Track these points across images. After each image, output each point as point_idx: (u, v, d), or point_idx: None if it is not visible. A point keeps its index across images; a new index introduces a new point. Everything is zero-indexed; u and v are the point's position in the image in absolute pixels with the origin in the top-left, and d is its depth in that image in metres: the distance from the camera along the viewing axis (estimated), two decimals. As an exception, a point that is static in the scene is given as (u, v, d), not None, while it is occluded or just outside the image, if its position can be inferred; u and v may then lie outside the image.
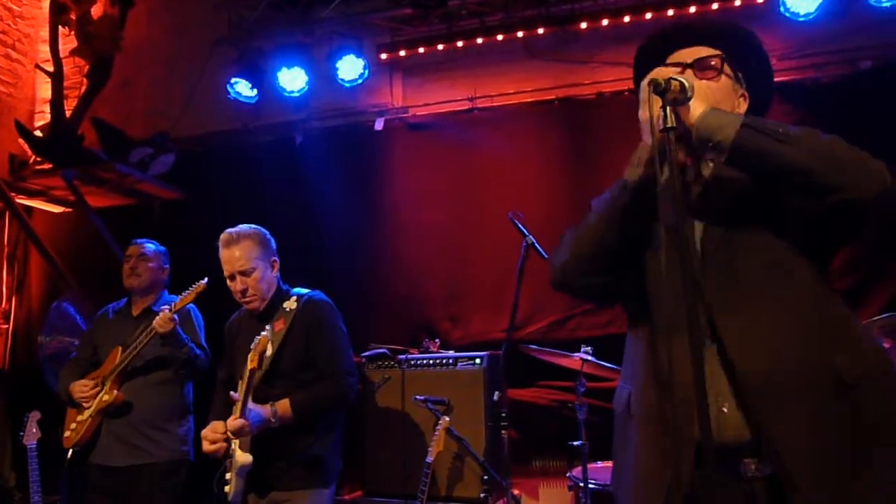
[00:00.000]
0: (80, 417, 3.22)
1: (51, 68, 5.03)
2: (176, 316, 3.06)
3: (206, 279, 3.05)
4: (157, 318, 3.04)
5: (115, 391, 3.18)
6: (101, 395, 3.19)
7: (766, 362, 1.31)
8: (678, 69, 1.49)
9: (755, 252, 1.40)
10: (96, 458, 3.20)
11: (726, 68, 1.52)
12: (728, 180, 1.44)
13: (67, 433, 3.24)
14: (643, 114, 1.39)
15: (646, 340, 1.51)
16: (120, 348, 3.23)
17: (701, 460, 1.21)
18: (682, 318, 1.30)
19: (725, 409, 1.33)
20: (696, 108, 1.35)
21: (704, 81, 1.48)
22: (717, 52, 1.52)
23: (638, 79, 1.65)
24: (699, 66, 1.51)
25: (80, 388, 3.20)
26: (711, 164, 1.50)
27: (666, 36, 1.62)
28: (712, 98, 1.42)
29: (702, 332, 1.25)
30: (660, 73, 1.37)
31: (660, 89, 1.32)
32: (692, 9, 4.26)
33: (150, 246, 3.47)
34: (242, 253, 2.66)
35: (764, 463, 1.31)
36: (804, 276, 1.39)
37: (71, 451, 3.24)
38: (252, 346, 2.46)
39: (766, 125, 1.31)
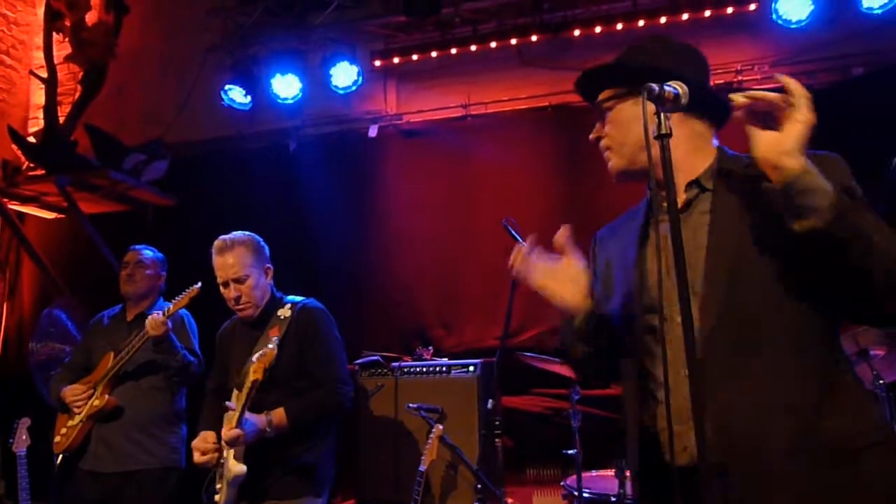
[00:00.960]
0: (70, 422, 3.19)
1: (45, 74, 5.02)
2: (169, 322, 3.04)
3: (199, 283, 3.03)
4: (149, 320, 3.02)
5: (107, 396, 3.15)
6: (92, 399, 3.16)
7: (749, 424, 1.25)
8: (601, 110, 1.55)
9: (755, 293, 1.31)
10: (86, 464, 3.18)
11: (623, 101, 1.53)
12: (732, 214, 1.37)
13: (58, 438, 3.21)
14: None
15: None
16: (112, 353, 3.21)
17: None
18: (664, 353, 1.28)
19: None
20: (796, 157, 1.21)
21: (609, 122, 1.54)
22: (621, 88, 1.53)
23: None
24: (604, 110, 1.55)
25: (72, 392, 3.18)
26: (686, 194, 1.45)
27: (581, 83, 1.63)
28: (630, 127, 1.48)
29: (698, 374, 1.17)
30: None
31: (654, 95, 1.30)
32: (685, 16, 4.27)
33: (148, 253, 3.45)
34: (236, 260, 2.64)
35: (730, 484, 1.25)
36: (812, 334, 1.31)
37: (60, 456, 3.21)
38: (256, 358, 2.44)
39: (850, 208, 1.21)
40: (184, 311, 3.22)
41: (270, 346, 2.47)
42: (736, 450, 1.25)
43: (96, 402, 3.15)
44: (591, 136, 1.58)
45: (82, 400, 3.16)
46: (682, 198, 1.45)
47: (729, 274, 1.33)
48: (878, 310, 1.25)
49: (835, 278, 1.24)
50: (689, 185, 1.46)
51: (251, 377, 2.41)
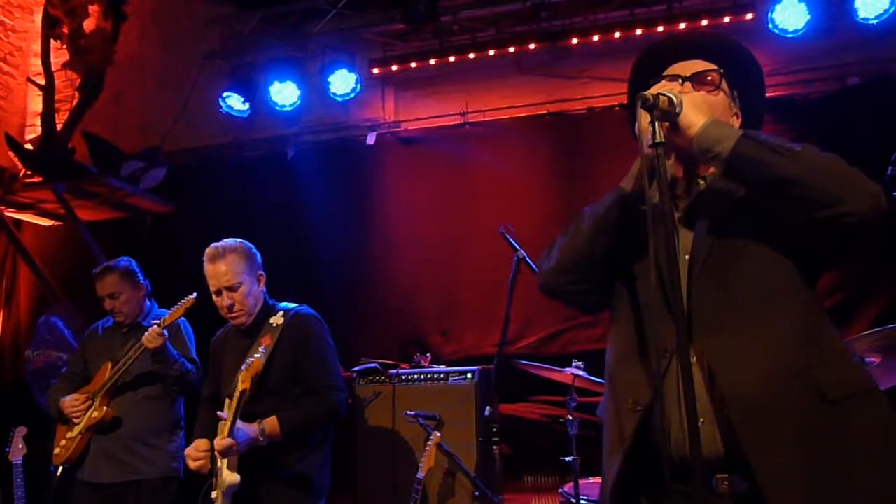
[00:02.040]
0: (69, 434, 3.18)
1: (42, 81, 5.02)
2: (165, 332, 3.03)
3: (195, 294, 3.02)
4: (147, 333, 3.01)
5: (105, 407, 3.14)
6: (90, 411, 3.15)
7: (749, 380, 1.30)
8: (677, 81, 1.49)
9: (744, 268, 1.39)
10: (84, 475, 3.16)
11: (724, 84, 1.51)
12: (720, 195, 1.44)
13: (57, 450, 3.19)
14: (640, 127, 1.39)
15: (623, 350, 1.51)
16: (109, 364, 3.19)
17: (673, 474, 1.22)
18: (665, 335, 1.30)
19: (700, 423, 1.30)
20: (697, 120, 1.35)
21: (702, 93, 1.48)
22: (716, 66, 1.51)
23: (633, 90, 1.63)
24: (697, 80, 1.50)
25: (71, 403, 3.16)
26: (702, 182, 1.49)
27: (663, 48, 1.62)
28: (709, 111, 1.42)
29: (688, 350, 1.24)
30: (661, 87, 1.38)
31: (648, 104, 1.33)
32: (682, 25, 4.30)
33: (112, 277, 3.27)
34: (228, 268, 2.63)
35: (736, 479, 1.30)
36: (792, 294, 1.38)
37: (60, 468, 3.20)
38: (244, 367, 2.43)
39: (765, 138, 1.32)
40: (180, 318, 3.21)
41: (257, 355, 2.46)
42: (738, 405, 1.30)
43: (95, 414, 3.13)
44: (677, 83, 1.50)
45: (80, 411, 3.15)
46: (683, 203, 1.51)
47: (710, 249, 1.41)
48: (826, 216, 1.27)
49: (774, 198, 1.32)
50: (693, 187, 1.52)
51: (239, 387, 2.40)
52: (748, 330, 1.34)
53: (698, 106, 1.39)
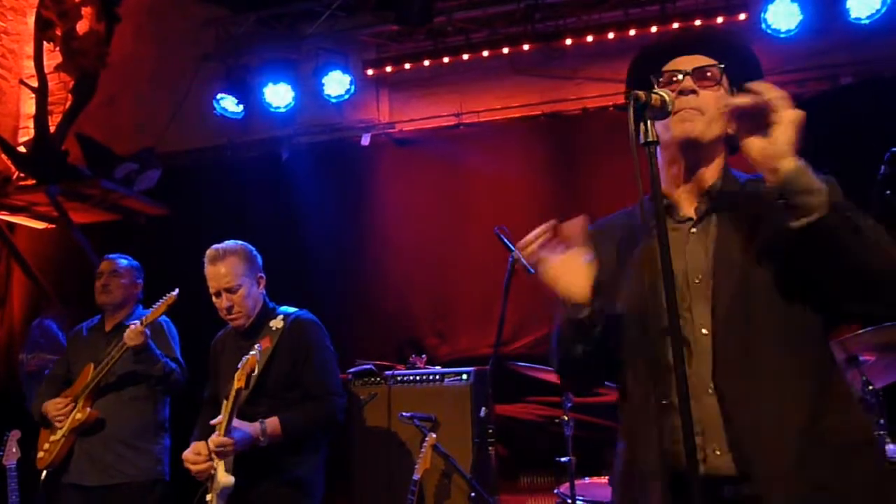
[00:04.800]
0: (53, 437, 3.15)
1: (35, 84, 5.00)
2: (147, 330, 3.01)
3: (176, 290, 3.02)
4: (128, 331, 3.00)
5: (88, 409, 3.11)
6: (73, 413, 3.12)
7: (763, 422, 1.30)
8: (677, 77, 1.47)
9: (764, 306, 1.35)
10: (69, 478, 3.13)
11: (724, 79, 1.49)
12: (734, 215, 1.41)
13: (41, 454, 3.16)
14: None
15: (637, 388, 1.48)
16: (92, 365, 3.17)
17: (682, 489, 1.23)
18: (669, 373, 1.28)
19: (718, 452, 1.33)
20: (788, 159, 1.24)
21: (706, 91, 1.45)
22: (716, 62, 1.49)
23: (633, 86, 1.62)
24: (698, 75, 1.47)
25: (54, 406, 3.13)
26: (708, 197, 1.47)
27: (663, 43, 1.60)
28: (713, 109, 1.41)
29: (686, 387, 1.22)
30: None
31: (640, 103, 1.32)
32: (675, 25, 4.31)
33: (123, 262, 3.42)
34: (228, 270, 2.63)
35: (741, 485, 1.31)
36: (810, 340, 1.37)
37: (45, 472, 3.16)
38: (240, 365, 2.42)
39: (847, 208, 1.25)
40: (163, 318, 3.18)
41: (252, 352, 2.45)
42: (750, 452, 1.30)
43: (78, 416, 3.10)
44: (682, 82, 1.47)
45: (64, 414, 3.12)
46: (693, 206, 1.49)
47: (738, 283, 1.36)
48: (873, 304, 1.29)
49: (832, 275, 1.28)
50: (702, 195, 1.49)
51: (235, 385, 2.40)
52: (767, 374, 1.33)
53: (711, 104, 1.40)
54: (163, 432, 3.31)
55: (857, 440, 1.34)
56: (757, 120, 1.28)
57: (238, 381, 2.39)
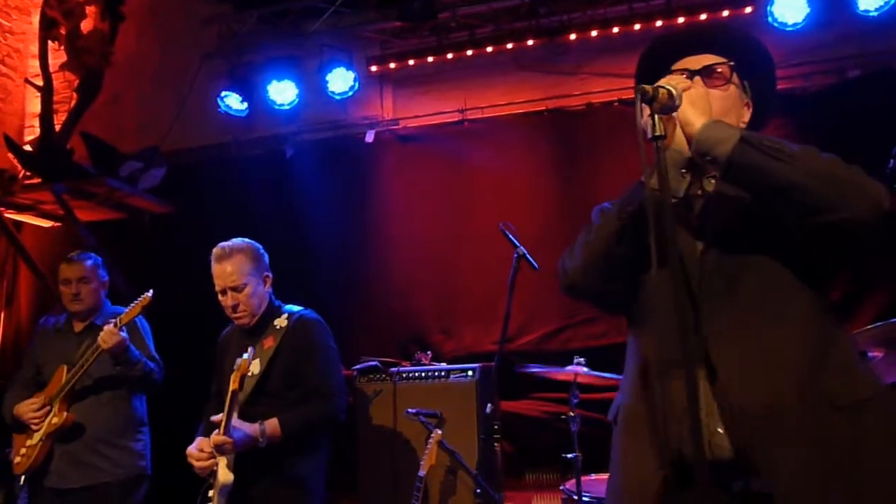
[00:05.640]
0: (29, 442, 3.07)
1: (40, 83, 5.00)
2: (125, 331, 2.96)
3: (150, 291, 2.97)
4: (103, 333, 2.93)
5: (65, 413, 3.05)
6: (49, 417, 3.05)
7: (759, 390, 1.30)
8: (684, 76, 1.47)
9: (755, 272, 1.38)
10: (50, 482, 3.08)
11: (734, 77, 1.49)
12: (729, 197, 1.42)
13: (18, 459, 3.09)
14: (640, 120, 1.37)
15: (641, 353, 1.49)
16: (65, 367, 3.10)
17: (690, 476, 1.21)
18: (671, 337, 1.28)
19: (721, 431, 1.32)
20: (696, 119, 1.33)
21: (714, 90, 1.46)
22: (726, 60, 1.49)
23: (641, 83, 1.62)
24: (707, 74, 1.48)
25: (28, 408, 3.06)
26: (713, 181, 1.47)
27: (672, 42, 1.60)
28: (717, 106, 1.40)
29: (692, 356, 1.23)
30: (668, 80, 1.36)
31: (647, 97, 1.32)
32: (680, 19, 4.28)
33: (88, 263, 3.31)
34: (234, 268, 2.63)
35: (751, 480, 1.31)
36: (802, 299, 1.37)
37: (23, 477, 3.10)
38: (235, 367, 2.43)
39: (764, 142, 1.29)
40: (136, 316, 3.10)
41: (245, 355, 2.45)
42: (749, 415, 1.30)
43: (55, 420, 3.03)
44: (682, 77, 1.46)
45: (39, 418, 3.05)
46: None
47: (733, 253, 1.40)
48: (827, 221, 1.28)
49: (776, 203, 1.31)
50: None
51: (230, 388, 2.40)
52: (756, 340, 1.34)
53: (695, 103, 1.36)
54: (143, 427, 3.27)
55: (862, 397, 1.32)
56: (669, 110, 1.35)
57: (233, 384, 2.40)
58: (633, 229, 1.43)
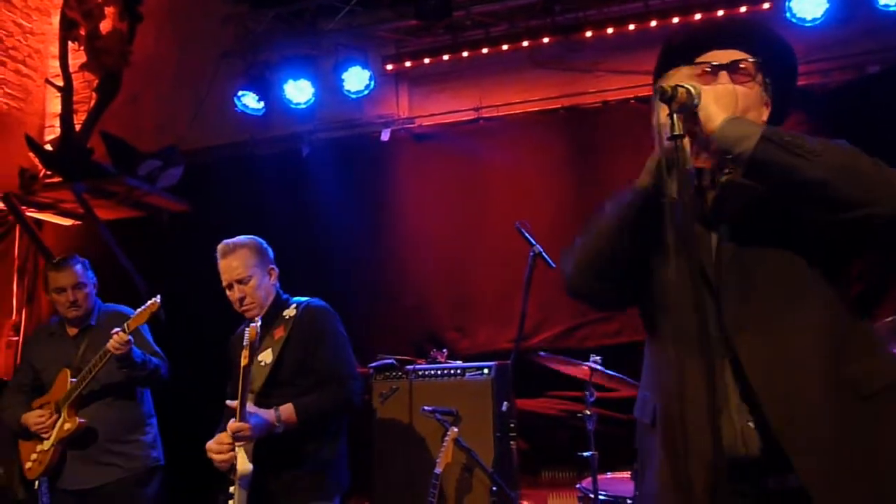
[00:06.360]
0: (40, 447, 3.08)
1: (60, 83, 5.07)
2: (131, 337, 2.96)
3: (158, 297, 2.98)
4: (113, 340, 2.93)
5: (76, 418, 3.05)
6: (60, 423, 3.06)
7: (781, 380, 1.30)
8: (707, 69, 1.46)
9: (772, 263, 1.37)
10: (65, 484, 3.10)
11: (759, 75, 1.48)
12: (745, 188, 1.40)
13: (29, 464, 3.10)
14: (659, 119, 1.37)
15: (665, 351, 1.48)
16: (68, 371, 3.11)
17: (732, 474, 1.21)
18: (693, 332, 1.27)
19: (751, 424, 1.32)
20: (717, 115, 1.31)
21: (726, 86, 1.43)
22: (752, 56, 1.48)
23: (661, 76, 1.59)
24: (733, 70, 1.46)
25: (36, 419, 3.07)
26: (728, 174, 1.46)
27: (698, 34, 1.58)
28: (741, 103, 1.38)
29: (712, 350, 1.23)
30: (681, 79, 1.37)
31: (666, 97, 1.31)
32: (697, 16, 4.25)
33: (79, 267, 3.27)
34: (239, 262, 2.66)
35: (785, 477, 1.30)
36: (821, 287, 1.36)
37: (37, 482, 3.12)
38: (244, 343, 2.40)
39: (785, 138, 1.27)
40: (126, 311, 3.12)
41: (252, 324, 2.44)
42: (777, 408, 1.29)
43: (67, 426, 3.04)
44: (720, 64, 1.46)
45: (48, 426, 3.06)
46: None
47: (750, 245, 1.39)
48: (850, 217, 1.26)
49: (798, 200, 1.31)
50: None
51: (242, 363, 2.38)
52: (775, 330, 1.33)
53: (719, 99, 1.34)
54: (150, 419, 3.30)
55: (884, 384, 1.32)
56: (689, 110, 1.34)
57: (244, 359, 2.38)
58: (631, 228, 1.44)
